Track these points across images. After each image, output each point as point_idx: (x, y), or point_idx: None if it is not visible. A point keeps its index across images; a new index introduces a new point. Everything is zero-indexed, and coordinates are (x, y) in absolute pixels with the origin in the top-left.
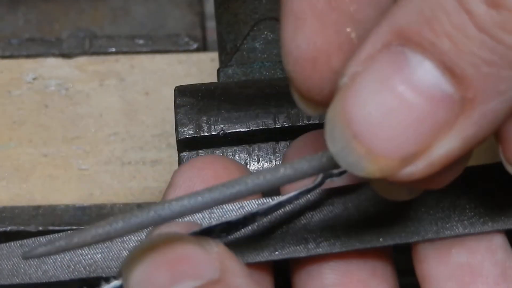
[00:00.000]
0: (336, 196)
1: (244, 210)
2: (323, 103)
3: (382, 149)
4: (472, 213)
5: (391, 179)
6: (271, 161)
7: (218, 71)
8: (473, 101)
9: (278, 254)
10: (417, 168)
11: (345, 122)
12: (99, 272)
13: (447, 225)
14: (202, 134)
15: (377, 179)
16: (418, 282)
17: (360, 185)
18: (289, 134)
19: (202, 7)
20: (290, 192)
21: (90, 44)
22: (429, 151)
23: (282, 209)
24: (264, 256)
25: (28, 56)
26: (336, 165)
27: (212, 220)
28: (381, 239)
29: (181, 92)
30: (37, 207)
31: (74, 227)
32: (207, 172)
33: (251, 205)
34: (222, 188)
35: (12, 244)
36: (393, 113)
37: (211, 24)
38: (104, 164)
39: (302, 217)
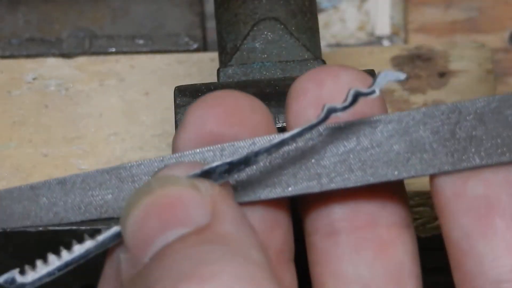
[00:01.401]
0: (349, 130)
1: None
2: None
3: None
4: (489, 144)
5: None
6: None
7: (218, 71)
8: None
9: (291, 190)
10: None
11: None
12: (110, 213)
13: (463, 157)
14: None
15: None
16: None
17: (374, 118)
18: None
19: (202, 7)
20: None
21: (90, 44)
22: None
23: (295, 145)
24: (277, 192)
25: (28, 56)
26: None
27: (224, 157)
28: (396, 172)
29: (181, 92)
30: None
31: (74, 227)
32: (218, 109)
33: (254, 143)
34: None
35: (22, 186)
36: None
37: (211, 24)
38: (104, 164)
39: (315, 152)
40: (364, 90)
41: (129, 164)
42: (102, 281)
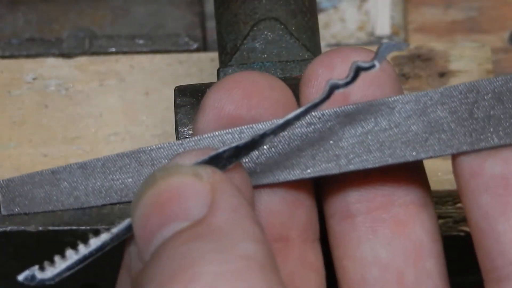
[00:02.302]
0: (367, 111)
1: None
2: None
3: None
4: (507, 124)
5: None
6: None
7: (218, 71)
8: None
9: (309, 172)
10: None
11: None
12: (131, 197)
13: (481, 137)
14: None
15: None
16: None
17: (391, 98)
18: None
19: (202, 7)
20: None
21: (90, 44)
22: None
23: (313, 127)
24: (296, 174)
25: (28, 56)
26: None
27: (243, 140)
28: (414, 153)
29: (181, 92)
30: None
31: (74, 227)
32: (236, 91)
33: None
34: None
35: (44, 171)
36: None
37: (211, 24)
38: None
39: (333, 134)
40: (365, 64)
41: (149, 148)
42: (122, 270)
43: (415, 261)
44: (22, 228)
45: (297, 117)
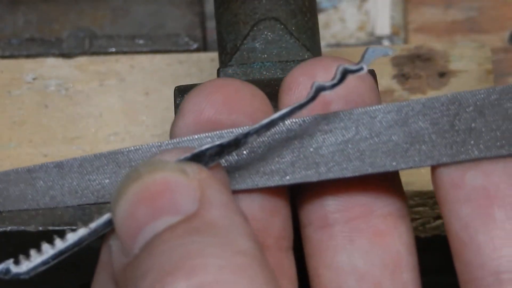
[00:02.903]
0: (348, 120)
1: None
2: None
3: None
4: (488, 137)
5: None
6: None
7: (218, 71)
8: None
9: (289, 179)
10: None
11: None
12: (107, 198)
13: (462, 149)
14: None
15: None
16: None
17: (373, 107)
18: None
19: (202, 7)
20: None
21: (90, 44)
22: None
23: (293, 133)
24: (275, 181)
25: (28, 56)
26: None
27: (223, 140)
28: (394, 163)
29: (181, 92)
30: None
31: (74, 227)
32: (217, 96)
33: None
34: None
35: (20, 169)
36: None
37: (211, 24)
38: None
39: (313, 141)
40: (352, 67)
41: (127, 149)
42: (98, 268)
43: (393, 272)
44: (22, 228)
45: (282, 117)
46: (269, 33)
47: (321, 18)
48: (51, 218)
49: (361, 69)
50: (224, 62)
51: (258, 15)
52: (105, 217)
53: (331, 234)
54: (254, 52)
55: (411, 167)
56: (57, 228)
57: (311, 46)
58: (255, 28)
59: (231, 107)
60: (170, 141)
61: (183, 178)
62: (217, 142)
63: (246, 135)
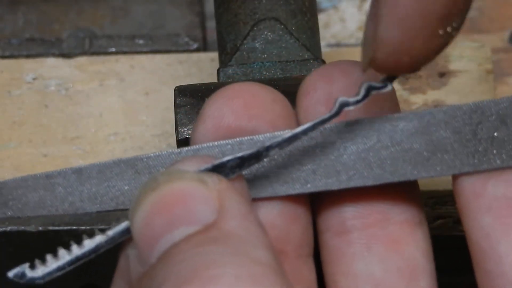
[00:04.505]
0: (370, 128)
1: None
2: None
3: None
4: (510, 146)
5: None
6: None
7: (218, 71)
8: None
9: (310, 187)
10: None
11: None
12: (127, 204)
13: (484, 158)
14: None
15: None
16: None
17: (395, 115)
18: None
19: (202, 7)
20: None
21: (90, 44)
22: None
23: (315, 141)
24: (296, 189)
25: (28, 56)
26: None
27: (242, 151)
28: (415, 172)
29: (181, 92)
30: None
31: (74, 227)
32: (237, 101)
33: (273, 137)
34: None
35: (38, 175)
36: None
37: (211, 24)
38: None
39: (334, 149)
40: (377, 84)
41: (146, 156)
42: (116, 276)
43: (409, 279)
44: (22, 228)
45: (304, 132)
46: (269, 33)
47: (321, 18)
48: (51, 218)
49: (386, 85)
50: (224, 62)
51: (258, 15)
52: (123, 224)
53: (348, 241)
54: (254, 52)
55: (432, 176)
56: (57, 228)
57: (311, 46)
58: (255, 28)
59: (251, 113)
60: (190, 148)
61: (202, 188)
62: (238, 154)
63: (268, 148)
